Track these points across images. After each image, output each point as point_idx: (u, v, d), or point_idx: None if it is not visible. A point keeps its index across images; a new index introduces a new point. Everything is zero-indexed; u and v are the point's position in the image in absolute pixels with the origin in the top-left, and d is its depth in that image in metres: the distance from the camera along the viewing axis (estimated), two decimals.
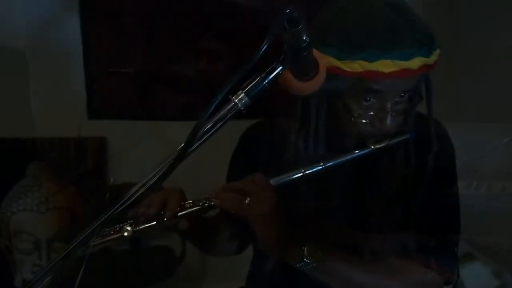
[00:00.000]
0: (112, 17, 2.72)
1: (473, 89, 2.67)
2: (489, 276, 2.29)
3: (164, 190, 1.20)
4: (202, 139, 0.78)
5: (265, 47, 0.73)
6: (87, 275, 1.10)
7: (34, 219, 2.67)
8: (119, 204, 0.79)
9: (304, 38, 0.76)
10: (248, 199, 1.13)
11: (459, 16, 2.75)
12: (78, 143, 2.75)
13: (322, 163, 1.18)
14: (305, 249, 1.11)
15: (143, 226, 1.16)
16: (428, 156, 1.21)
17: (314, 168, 1.18)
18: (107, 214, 0.79)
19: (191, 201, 1.21)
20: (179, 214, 1.18)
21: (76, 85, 2.75)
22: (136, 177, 2.56)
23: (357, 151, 1.18)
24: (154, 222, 1.16)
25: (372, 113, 1.13)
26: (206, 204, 1.19)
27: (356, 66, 1.06)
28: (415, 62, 1.06)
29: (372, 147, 1.18)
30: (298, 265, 1.12)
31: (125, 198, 0.80)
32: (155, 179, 0.79)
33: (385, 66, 1.05)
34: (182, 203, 1.19)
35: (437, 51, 1.12)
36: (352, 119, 1.13)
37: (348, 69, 1.06)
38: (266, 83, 0.78)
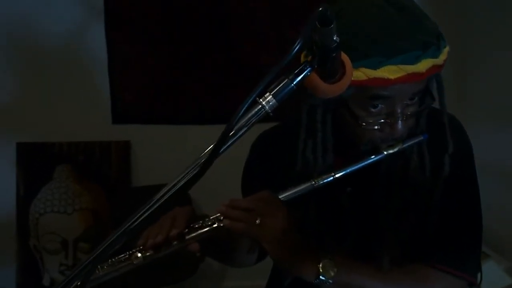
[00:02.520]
0: (136, 25, 2.70)
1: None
2: (502, 274, 2.22)
3: (171, 212, 1.10)
4: (230, 142, 0.71)
5: (297, 47, 0.66)
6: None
7: (61, 220, 2.70)
8: (142, 212, 0.73)
9: (334, 38, 0.69)
10: (259, 219, 1.04)
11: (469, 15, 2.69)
12: (102, 146, 2.72)
13: (332, 174, 1.07)
14: (320, 266, 1.02)
15: (152, 254, 1.07)
16: (444, 158, 1.09)
17: (325, 179, 1.08)
18: (130, 222, 0.73)
19: (200, 221, 1.11)
20: (187, 237, 1.08)
21: (101, 91, 2.73)
22: (159, 180, 2.52)
23: (369, 158, 1.07)
24: (163, 249, 1.08)
25: (381, 119, 1.01)
26: (215, 225, 1.09)
27: (360, 74, 0.94)
28: (423, 65, 0.95)
29: (385, 152, 1.05)
30: (315, 282, 1.03)
31: (150, 204, 0.73)
32: (181, 184, 0.72)
33: (391, 72, 0.93)
34: (191, 225, 1.10)
35: (446, 49, 0.99)
36: (361, 127, 1.02)
37: (352, 78, 0.96)
38: (294, 85, 0.71)
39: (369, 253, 1.11)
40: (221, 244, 1.22)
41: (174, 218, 1.09)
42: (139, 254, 1.06)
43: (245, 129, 0.72)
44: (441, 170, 1.09)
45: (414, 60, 0.94)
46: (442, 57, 0.98)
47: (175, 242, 1.08)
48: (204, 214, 1.16)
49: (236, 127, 0.70)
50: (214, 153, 0.69)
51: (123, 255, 1.07)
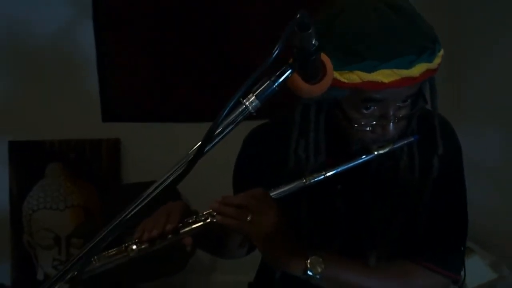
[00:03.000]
0: (126, 23, 2.70)
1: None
2: (487, 269, 2.25)
3: (166, 206, 1.14)
4: (215, 141, 0.75)
5: (277, 51, 0.70)
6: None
7: (53, 216, 2.72)
8: (132, 207, 0.76)
9: (313, 42, 0.73)
10: (250, 216, 1.06)
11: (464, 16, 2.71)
12: (93, 144, 2.74)
13: (323, 172, 1.09)
14: (308, 262, 1.04)
15: (147, 246, 1.10)
16: (433, 159, 1.11)
17: (316, 178, 1.09)
18: (122, 217, 0.77)
19: (194, 216, 1.15)
20: (181, 231, 1.11)
21: (90, 89, 2.74)
22: (149, 176, 2.53)
23: (359, 158, 1.08)
24: (157, 242, 1.11)
25: (374, 122, 1.02)
26: (208, 220, 1.12)
27: (354, 77, 0.94)
28: (417, 69, 0.95)
29: (376, 152, 1.07)
30: (302, 276, 1.05)
31: (140, 200, 0.77)
32: (169, 181, 0.76)
33: (385, 75, 0.94)
34: (185, 220, 1.12)
35: (441, 53, 0.99)
36: (353, 128, 1.04)
37: (346, 80, 0.95)
38: (276, 86, 0.75)
39: (358, 250, 1.13)
40: (214, 238, 1.26)
41: (169, 213, 1.12)
42: (134, 247, 1.10)
43: (230, 128, 0.76)
44: (430, 171, 1.11)
45: (408, 65, 0.94)
46: (436, 61, 0.99)
47: (169, 236, 1.11)
48: (194, 210, 1.19)
49: (220, 127, 0.74)
50: (200, 152, 0.72)
51: (118, 247, 1.11)
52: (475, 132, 2.65)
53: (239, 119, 0.76)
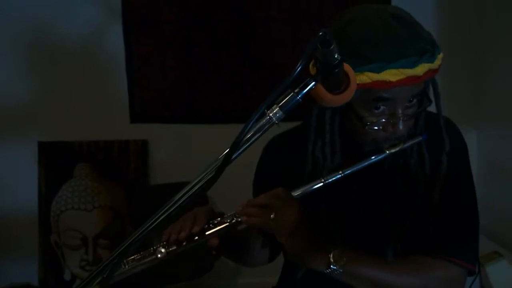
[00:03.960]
0: (153, 25, 2.75)
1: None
2: None
3: (192, 211, 1.21)
4: (241, 149, 0.77)
5: (300, 66, 0.73)
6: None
7: (81, 217, 2.77)
8: (161, 213, 0.80)
9: (336, 56, 0.77)
10: (273, 214, 1.13)
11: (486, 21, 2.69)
12: (121, 145, 2.79)
13: (340, 172, 1.17)
14: (331, 256, 1.10)
15: (175, 249, 1.16)
16: (442, 156, 1.20)
17: (333, 177, 1.17)
18: (151, 222, 0.80)
19: (219, 218, 1.20)
20: (207, 233, 1.17)
21: (119, 90, 2.79)
22: (176, 178, 2.57)
23: (373, 157, 1.17)
24: (185, 243, 1.17)
25: (384, 120, 1.11)
26: (234, 221, 1.18)
27: (364, 78, 1.04)
28: (420, 69, 1.06)
29: (388, 151, 1.16)
30: (326, 271, 1.11)
31: (168, 206, 0.80)
32: (197, 187, 0.79)
33: (392, 75, 1.04)
34: (211, 221, 1.19)
35: (440, 55, 1.11)
36: (366, 127, 1.12)
37: (357, 81, 0.99)
38: (299, 98, 0.78)
39: (376, 246, 1.20)
40: (237, 244, 1.33)
41: (195, 216, 1.19)
42: (163, 250, 1.15)
43: (255, 137, 0.78)
44: (440, 168, 1.20)
45: (412, 65, 1.05)
46: (437, 62, 1.10)
47: (196, 238, 1.17)
48: (221, 212, 1.24)
49: (246, 136, 0.76)
50: (227, 160, 0.75)
51: (146, 250, 1.16)
52: (498, 132, 2.62)
53: (264, 129, 0.78)
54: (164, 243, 1.16)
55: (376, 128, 1.12)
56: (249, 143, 0.79)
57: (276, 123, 0.78)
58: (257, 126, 0.78)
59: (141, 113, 2.81)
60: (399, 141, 1.15)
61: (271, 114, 0.77)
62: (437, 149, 1.20)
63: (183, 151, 2.82)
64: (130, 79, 2.78)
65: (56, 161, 2.79)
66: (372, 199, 1.23)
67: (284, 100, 0.78)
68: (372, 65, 1.04)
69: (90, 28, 2.73)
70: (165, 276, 2.23)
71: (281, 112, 0.78)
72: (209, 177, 0.78)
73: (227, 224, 1.18)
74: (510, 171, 2.53)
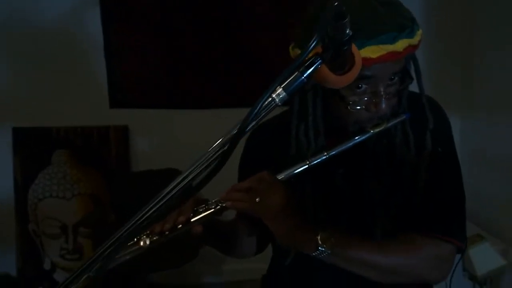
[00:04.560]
0: (133, 9, 2.69)
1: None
2: (497, 256, 2.30)
3: None
4: (240, 134, 0.73)
5: (314, 43, 0.70)
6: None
7: (60, 205, 2.72)
8: (151, 207, 0.76)
9: (347, 31, 0.72)
10: (258, 198, 1.12)
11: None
12: (100, 131, 2.74)
13: (325, 153, 1.16)
14: (318, 237, 1.08)
15: (158, 238, 1.13)
16: (426, 134, 1.20)
17: (318, 158, 1.16)
18: (136, 219, 0.76)
19: (204, 205, 1.17)
20: (192, 220, 1.14)
21: (98, 75, 2.73)
22: (158, 164, 2.54)
23: (357, 137, 1.15)
24: (168, 233, 1.14)
25: (366, 98, 1.10)
26: (219, 207, 1.15)
27: None
28: (400, 44, 1.05)
29: (372, 131, 1.15)
30: (314, 254, 1.09)
31: (164, 196, 0.76)
32: (198, 179, 0.75)
33: (373, 51, 1.02)
34: (195, 208, 1.16)
35: (420, 32, 1.10)
36: (348, 107, 1.11)
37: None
38: (304, 77, 0.74)
39: (363, 228, 1.19)
40: (224, 234, 1.31)
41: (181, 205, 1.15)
42: (147, 240, 1.12)
43: (255, 121, 0.75)
44: (424, 146, 1.20)
45: (392, 40, 1.04)
46: (417, 38, 1.09)
47: (179, 226, 1.14)
48: (205, 199, 1.20)
49: (253, 122, 0.73)
50: (232, 145, 0.72)
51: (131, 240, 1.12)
52: (483, 121, 2.65)
53: (264, 112, 0.75)
54: (148, 232, 1.13)
55: (358, 107, 1.11)
56: (249, 126, 0.75)
57: (279, 105, 0.74)
58: (257, 108, 0.74)
59: (121, 98, 2.76)
60: (382, 121, 1.15)
61: (274, 95, 0.74)
62: (421, 127, 1.20)
63: (165, 137, 2.80)
64: (109, 63, 2.72)
65: (33, 148, 2.73)
66: (358, 181, 1.22)
67: (288, 81, 0.74)
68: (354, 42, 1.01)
69: (68, 11, 2.67)
70: (150, 264, 2.20)
71: (284, 93, 0.74)
72: (212, 165, 0.74)
73: (212, 210, 1.15)
74: (493, 159, 2.56)
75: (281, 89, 0.74)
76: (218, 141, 0.75)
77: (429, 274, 1.18)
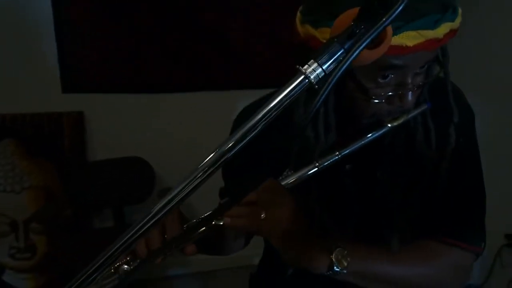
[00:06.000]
0: None
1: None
2: None
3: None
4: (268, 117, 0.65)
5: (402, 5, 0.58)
6: None
7: (8, 200, 2.53)
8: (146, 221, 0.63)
9: None
10: (264, 213, 0.95)
11: None
12: (52, 118, 2.56)
13: (337, 153, 1.00)
14: (333, 257, 0.94)
15: (138, 264, 0.95)
16: (449, 128, 1.05)
17: (330, 159, 1.00)
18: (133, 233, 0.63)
19: (194, 220, 0.99)
20: (182, 240, 0.96)
21: (48, 57, 2.56)
22: (117, 153, 2.39)
23: (372, 133, 1.01)
24: (154, 256, 0.96)
25: (390, 92, 0.95)
26: (214, 224, 0.97)
27: None
28: (442, 30, 0.87)
29: (389, 125, 1.00)
30: (327, 273, 0.96)
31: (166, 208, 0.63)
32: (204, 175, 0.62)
33: (410, 38, 0.85)
34: (185, 226, 0.99)
35: (460, 11, 0.92)
36: (371, 100, 0.95)
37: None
38: (344, 49, 0.61)
39: (376, 233, 1.05)
40: (212, 241, 1.13)
41: (164, 225, 0.98)
42: (125, 266, 0.94)
43: (286, 102, 0.63)
44: (447, 141, 1.05)
45: (434, 25, 0.86)
46: (458, 20, 0.91)
47: (168, 248, 0.96)
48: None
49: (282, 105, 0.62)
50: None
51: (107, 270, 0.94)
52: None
53: (296, 91, 0.62)
54: (128, 259, 0.95)
55: (379, 101, 0.95)
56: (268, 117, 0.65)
57: (313, 83, 0.62)
58: (289, 89, 0.62)
59: (75, 82, 2.60)
60: (402, 113, 0.99)
61: (308, 71, 0.61)
62: (443, 119, 1.04)
63: (124, 124, 2.67)
64: (60, 45, 2.55)
65: None
66: (368, 181, 1.08)
67: (324, 54, 0.61)
68: None
69: None
70: None
71: (320, 69, 0.61)
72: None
73: (205, 228, 0.97)
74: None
75: (316, 64, 0.61)
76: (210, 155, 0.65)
77: (447, 284, 1.08)
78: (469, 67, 2.45)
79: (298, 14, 0.96)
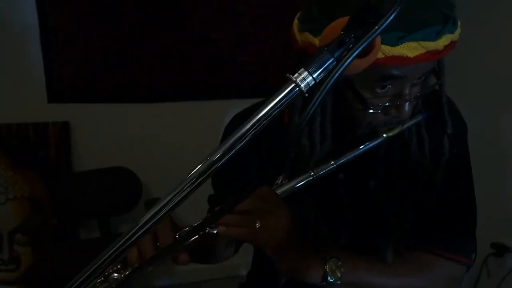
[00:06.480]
0: None
1: None
2: None
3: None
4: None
5: (395, 12, 0.60)
6: None
7: None
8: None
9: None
10: (259, 222, 0.94)
11: None
12: (38, 128, 2.55)
13: (332, 162, 1.00)
14: (327, 267, 0.95)
15: (131, 272, 0.93)
16: (443, 139, 1.05)
17: (325, 169, 1.00)
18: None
19: (187, 228, 0.97)
20: (174, 253, 0.96)
21: (34, 66, 2.54)
22: (102, 163, 2.38)
23: (367, 143, 1.01)
24: (146, 265, 0.94)
25: (387, 103, 0.94)
26: (207, 232, 0.96)
27: None
28: (443, 41, 0.88)
29: (385, 135, 1.00)
30: (322, 284, 0.96)
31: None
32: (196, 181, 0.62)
33: (411, 49, 0.85)
34: (177, 234, 0.97)
35: (459, 23, 0.92)
36: (368, 110, 0.95)
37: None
38: (334, 58, 0.62)
39: (370, 242, 1.05)
40: (203, 250, 1.10)
41: (156, 233, 0.97)
42: (116, 275, 0.92)
43: (276, 111, 0.63)
44: (441, 152, 1.06)
45: (435, 36, 0.86)
46: (457, 32, 0.91)
47: (160, 257, 0.95)
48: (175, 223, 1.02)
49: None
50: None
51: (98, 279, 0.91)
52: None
53: (285, 100, 0.63)
54: (119, 267, 0.93)
55: (374, 111, 0.95)
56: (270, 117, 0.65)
57: (304, 92, 0.62)
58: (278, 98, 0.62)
59: (61, 92, 2.58)
60: (398, 124, 1.00)
61: (298, 80, 0.61)
62: (437, 130, 1.05)
63: (110, 134, 2.65)
64: (46, 53, 2.54)
65: None
66: (361, 191, 1.08)
67: (314, 62, 0.62)
68: (388, 35, 0.83)
69: None
70: None
71: (310, 78, 0.62)
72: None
73: (197, 237, 0.96)
74: None
75: (306, 72, 0.62)
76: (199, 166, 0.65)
77: None
78: (469, 67, 2.48)
79: (296, 21, 0.97)
